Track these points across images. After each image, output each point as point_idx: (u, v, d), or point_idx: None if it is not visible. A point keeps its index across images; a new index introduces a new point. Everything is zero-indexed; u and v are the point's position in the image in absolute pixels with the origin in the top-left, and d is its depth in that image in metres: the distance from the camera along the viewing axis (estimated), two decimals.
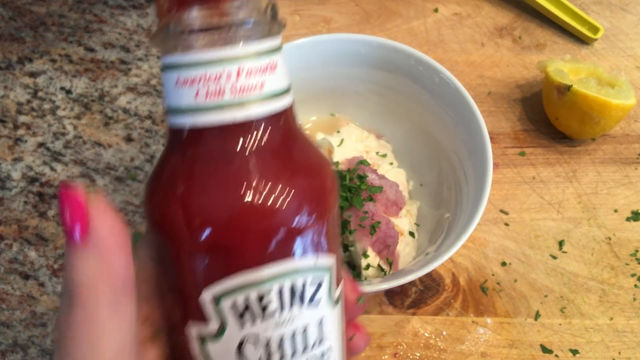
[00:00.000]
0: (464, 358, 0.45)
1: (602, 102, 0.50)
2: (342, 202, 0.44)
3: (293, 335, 0.24)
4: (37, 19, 0.62)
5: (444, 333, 0.46)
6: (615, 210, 0.51)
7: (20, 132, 0.56)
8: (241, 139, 0.23)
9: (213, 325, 0.23)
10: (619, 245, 0.50)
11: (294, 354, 0.24)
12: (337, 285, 0.26)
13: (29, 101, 0.58)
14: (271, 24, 0.23)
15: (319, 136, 0.50)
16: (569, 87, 0.50)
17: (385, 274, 0.44)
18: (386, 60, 0.47)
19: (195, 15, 0.22)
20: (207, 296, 0.23)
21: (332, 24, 0.61)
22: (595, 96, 0.50)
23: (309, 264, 0.24)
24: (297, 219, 0.23)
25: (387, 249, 0.44)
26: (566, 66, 0.54)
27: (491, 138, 0.46)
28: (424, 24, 0.61)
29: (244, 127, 0.23)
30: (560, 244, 0.50)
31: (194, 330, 0.24)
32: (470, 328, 0.46)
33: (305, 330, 0.24)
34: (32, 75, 0.59)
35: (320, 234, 0.24)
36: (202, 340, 0.24)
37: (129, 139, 0.56)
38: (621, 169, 0.54)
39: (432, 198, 0.49)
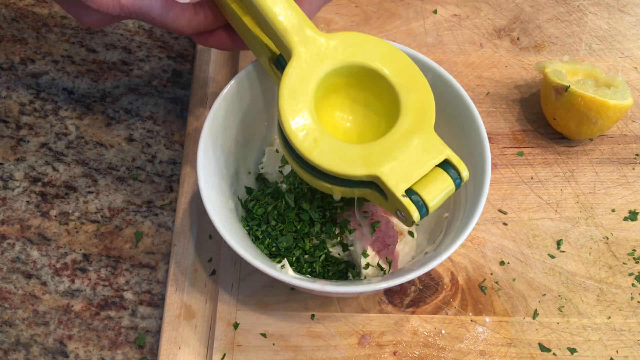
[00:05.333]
0: (463, 356, 0.45)
1: (599, 102, 0.50)
2: (342, 201, 0.44)
3: None
4: (39, 20, 0.63)
5: (443, 332, 0.46)
6: (613, 210, 0.52)
7: (23, 132, 0.56)
8: None
9: None
10: (617, 245, 0.50)
11: None
12: None
13: (31, 102, 0.58)
14: None
15: None
16: (566, 88, 0.51)
17: (384, 273, 0.45)
18: None
19: None
20: None
21: (332, 25, 0.61)
22: (592, 97, 0.50)
23: None
24: None
25: (386, 248, 0.44)
26: (564, 67, 0.54)
27: (490, 138, 0.47)
28: (423, 25, 0.62)
29: None
30: (558, 243, 0.50)
31: None
32: (468, 327, 0.46)
33: None
34: (35, 76, 0.59)
35: None
36: None
37: (130, 140, 0.56)
38: (619, 169, 0.54)
39: None
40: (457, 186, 0.37)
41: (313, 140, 0.37)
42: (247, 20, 0.41)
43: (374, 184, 0.37)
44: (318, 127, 0.37)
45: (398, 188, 0.36)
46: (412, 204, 0.36)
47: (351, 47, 0.39)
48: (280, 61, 0.41)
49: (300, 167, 0.39)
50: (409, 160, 0.36)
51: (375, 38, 0.40)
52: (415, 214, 0.36)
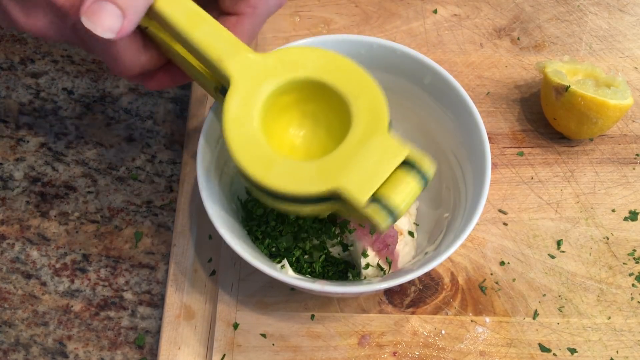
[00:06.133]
0: (463, 357, 0.45)
1: (599, 102, 0.50)
2: None
3: None
4: None
5: (443, 332, 0.46)
6: (613, 210, 0.52)
7: (23, 132, 0.56)
8: None
9: None
10: (617, 245, 0.50)
11: None
12: None
13: (31, 102, 0.58)
14: None
15: None
16: (566, 88, 0.51)
17: (384, 273, 0.45)
18: (385, 61, 0.47)
19: None
20: None
21: (332, 25, 0.61)
22: (592, 97, 0.50)
23: None
24: None
25: (386, 249, 0.44)
26: (564, 67, 0.54)
27: (490, 138, 0.47)
28: (423, 25, 0.62)
29: None
30: (559, 243, 0.50)
31: None
32: (469, 327, 0.46)
33: None
34: (34, 76, 0.59)
35: None
36: None
37: (130, 139, 0.56)
38: (619, 169, 0.54)
39: (431, 198, 0.49)
40: (425, 184, 0.35)
41: (265, 164, 0.35)
42: (187, 55, 0.39)
43: (340, 198, 0.36)
44: (269, 151, 0.36)
45: (360, 199, 0.34)
46: (378, 212, 0.34)
47: (290, 63, 0.38)
48: (226, 89, 0.39)
49: (262, 194, 0.38)
50: (367, 167, 0.35)
51: (315, 48, 0.39)
52: (383, 224, 0.34)
